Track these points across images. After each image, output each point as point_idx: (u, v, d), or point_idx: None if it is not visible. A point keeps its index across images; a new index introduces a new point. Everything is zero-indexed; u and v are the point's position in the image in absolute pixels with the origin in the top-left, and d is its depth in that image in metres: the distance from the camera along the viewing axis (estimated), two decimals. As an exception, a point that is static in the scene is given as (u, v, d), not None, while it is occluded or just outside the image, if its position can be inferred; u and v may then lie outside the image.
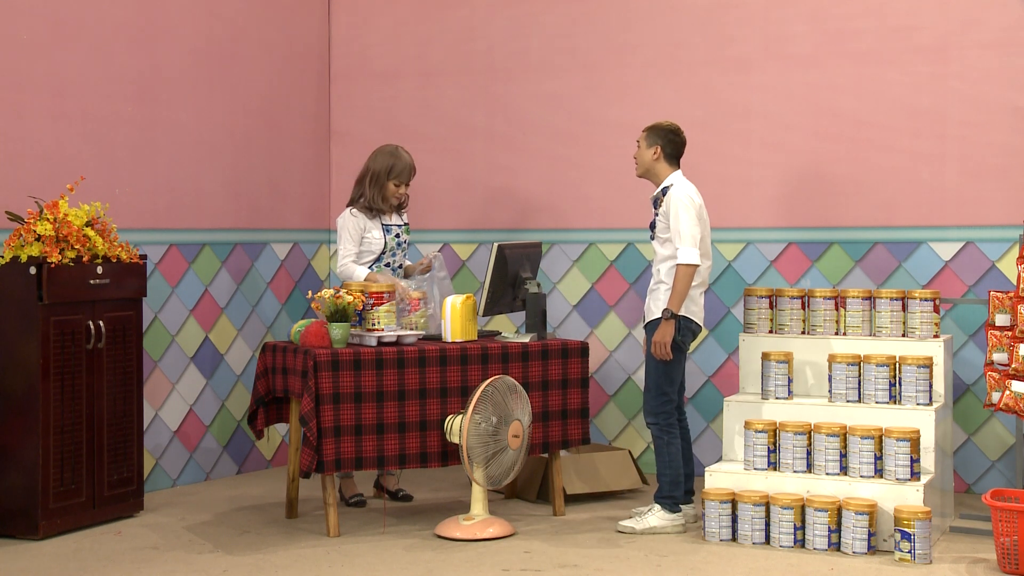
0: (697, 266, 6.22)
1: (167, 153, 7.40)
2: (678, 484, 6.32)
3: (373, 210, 6.86)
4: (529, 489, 7.10)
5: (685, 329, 6.31)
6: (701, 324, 6.40)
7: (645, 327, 6.41)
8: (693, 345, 7.66)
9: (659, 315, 6.27)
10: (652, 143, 6.42)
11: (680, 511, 6.33)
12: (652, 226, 6.43)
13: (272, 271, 8.10)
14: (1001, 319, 6.32)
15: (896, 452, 5.98)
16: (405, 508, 6.91)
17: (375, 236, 6.86)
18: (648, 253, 7.77)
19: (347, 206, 6.93)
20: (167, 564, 5.79)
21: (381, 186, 6.86)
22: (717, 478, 6.29)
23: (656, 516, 6.29)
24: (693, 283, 6.26)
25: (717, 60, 7.66)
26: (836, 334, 6.60)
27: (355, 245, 6.84)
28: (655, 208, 6.41)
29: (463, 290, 8.03)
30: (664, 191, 6.36)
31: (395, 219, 6.97)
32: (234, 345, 7.82)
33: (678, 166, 6.45)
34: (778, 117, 7.53)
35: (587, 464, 7.07)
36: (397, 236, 6.93)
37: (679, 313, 6.25)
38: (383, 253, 6.89)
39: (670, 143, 6.41)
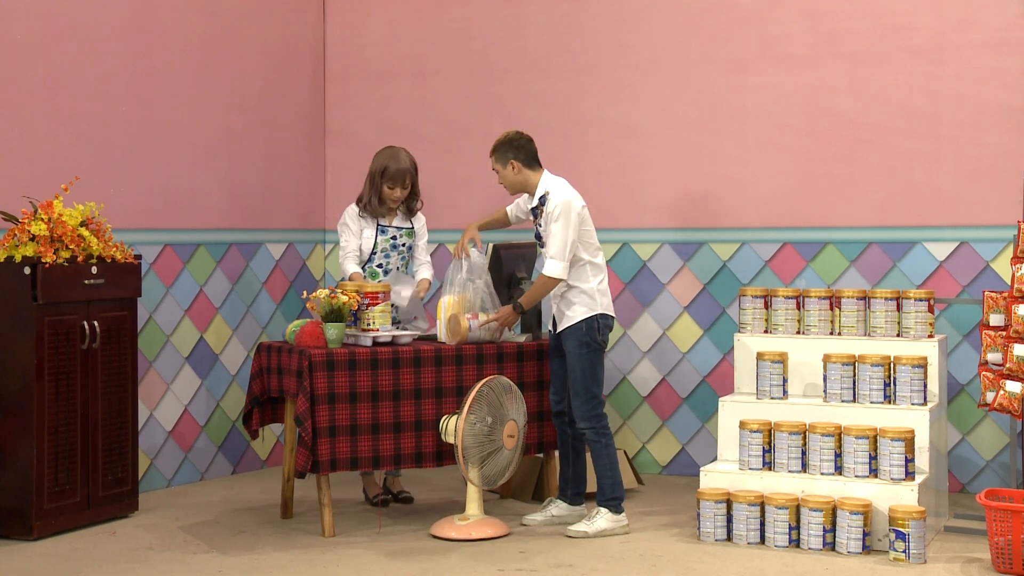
0: (559, 281, 6.22)
1: (162, 153, 7.39)
2: (619, 485, 6.30)
3: (369, 210, 6.85)
4: (524, 489, 7.10)
5: (604, 327, 6.30)
6: (615, 316, 6.40)
7: (560, 333, 6.34)
8: (687, 345, 7.67)
9: (576, 320, 6.25)
10: (506, 162, 6.35)
11: (624, 511, 6.33)
12: (538, 236, 6.39)
13: (267, 271, 8.10)
14: (995, 319, 6.33)
15: (891, 452, 5.98)
16: (400, 508, 6.91)
17: (366, 236, 6.84)
18: (643, 253, 7.78)
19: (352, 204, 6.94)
20: (162, 564, 5.79)
21: (377, 188, 6.84)
22: (712, 478, 6.30)
23: (604, 519, 6.27)
24: (597, 277, 6.28)
25: (712, 60, 7.67)
26: (831, 334, 6.61)
27: (356, 238, 6.83)
28: (535, 218, 6.38)
29: (458, 290, 8.02)
30: (543, 200, 6.32)
31: (398, 221, 6.93)
32: (229, 345, 7.82)
33: (541, 165, 6.40)
34: (773, 117, 7.54)
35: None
36: (393, 239, 6.89)
37: (601, 312, 6.26)
38: (373, 254, 6.85)
39: (521, 150, 6.34)
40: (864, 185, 7.35)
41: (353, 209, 6.87)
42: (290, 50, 8.30)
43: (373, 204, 6.81)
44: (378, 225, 6.86)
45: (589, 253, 6.31)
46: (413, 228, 6.96)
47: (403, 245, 6.92)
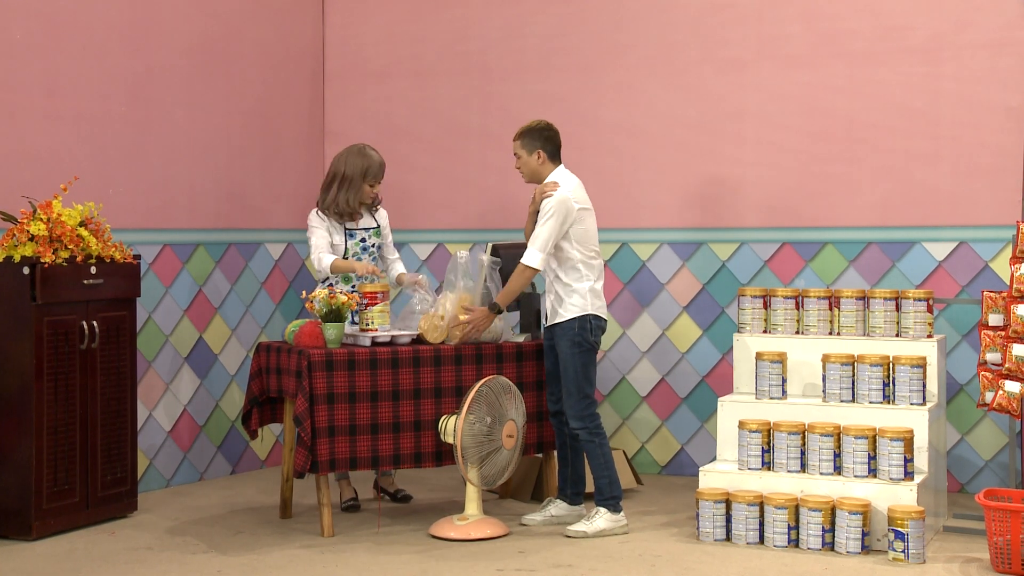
0: (537, 271, 6.24)
1: (161, 153, 7.39)
2: (616, 484, 6.31)
3: (344, 214, 6.77)
4: (523, 489, 7.11)
5: (596, 328, 6.32)
6: (607, 318, 6.42)
7: (553, 331, 6.35)
8: (686, 345, 7.67)
9: (568, 318, 6.27)
10: (532, 148, 6.37)
11: (622, 511, 6.34)
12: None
13: (266, 271, 8.10)
14: (994, 319, 6.33)
15: (890, 452, 5.98)
16: (399, 508, 6.91)
17: (335, 242, 6.78)
18: (643, 253, 7.78)
19: (315, 209, 6.85)
20: (161, 564, 5.79)
21: (357, 189, 6.76)
22: (711, 478, 6.30)
23: (603, 519, 6.27)
24: (593, 277, 6.29)
25: (711, 60, 7.67)
26: (830, 334, 6.61)
27: (327, 235, 6.74)
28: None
29: (457, 290, 8.02)
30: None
31: (364, 223, 6.86)
32: (228, 345, 7.82)
33: (560, 161, 6.44)
34: (772, 117, 7.54)
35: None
36: (363, 241, 6.82)
37: (593, 313, 6.28)
38: (344, 259, 6.80)
39: (548, 142, 6.38)
40: (863, 185, 7.35)
41: (317, 214, 6.77)
42: (289, 50, 8.30)
43: (351, 205, 6.72)
44: (345, 230, 6.81)
45: (587, 254, 6.31)
46: (379, 227, 6.92)
47: (372, 246, 6.86)
